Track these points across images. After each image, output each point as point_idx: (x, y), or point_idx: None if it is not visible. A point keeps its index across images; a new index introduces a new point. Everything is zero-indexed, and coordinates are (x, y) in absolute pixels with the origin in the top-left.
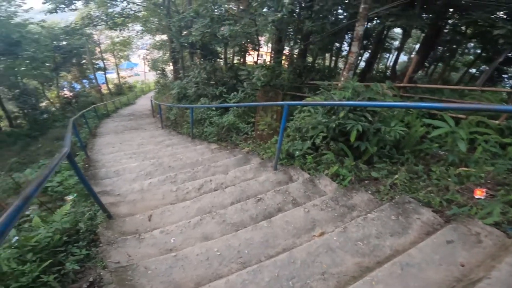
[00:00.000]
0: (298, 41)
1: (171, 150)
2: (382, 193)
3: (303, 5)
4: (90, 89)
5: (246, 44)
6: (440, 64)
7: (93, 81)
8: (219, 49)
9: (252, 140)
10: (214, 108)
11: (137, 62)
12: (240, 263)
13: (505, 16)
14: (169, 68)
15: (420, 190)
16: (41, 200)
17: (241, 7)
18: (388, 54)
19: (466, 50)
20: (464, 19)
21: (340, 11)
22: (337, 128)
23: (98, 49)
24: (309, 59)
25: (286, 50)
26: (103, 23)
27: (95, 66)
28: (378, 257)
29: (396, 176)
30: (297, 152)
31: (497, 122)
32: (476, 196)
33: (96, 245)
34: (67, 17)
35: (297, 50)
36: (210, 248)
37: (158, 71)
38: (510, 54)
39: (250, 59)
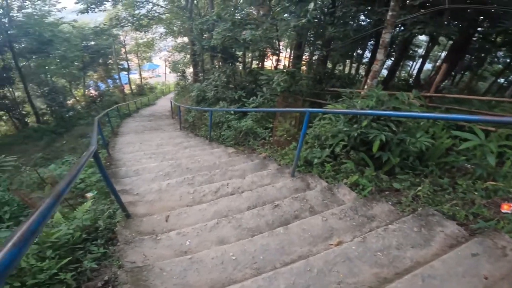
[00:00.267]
0: (319, 46)
1: (189, 152)
2: (404, 205)
3: (325, 10)
4: (114, 88)
5: (265, 49)
6: (467, 73)
7: (117, 81)
8: (238, 53)
9: (269, 145)
10: (232, 112)
11: (159, 63)
12: (254, 268)
13: None
14: (189, 70)
15: (445, 203)
16: (65, 197)
17: (261, 12)
18: (411, 62)
19: (495, 59)
20: (495, 27)
21: (362, 17)
22: (358, 137)
23: (123, 50)
24: (329, 65)
25: (306, 55)
26: (130, 24)
27: (119, 66)
28: (397, 268)
29: (420, 188)
30: (316, 159)
31: None
32: (503, 211)
33: (113, 243)
34: (96, 18)
35: (316, 56)
36: (226, 252)
37: (179, 73)
38: None
39: (268, 63)
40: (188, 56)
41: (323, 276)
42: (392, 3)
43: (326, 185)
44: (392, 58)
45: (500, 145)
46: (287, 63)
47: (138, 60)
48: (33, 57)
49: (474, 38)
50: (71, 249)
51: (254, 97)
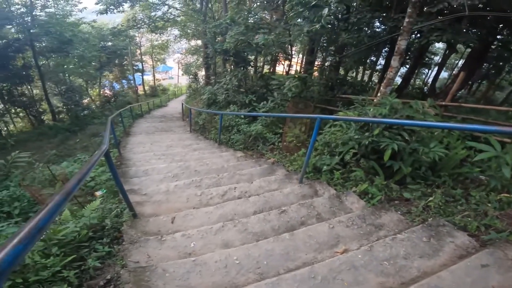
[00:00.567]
0: (332, 52)
1: (198, 155)
2: (414, 215)
3: (339, 16)
4: (128, 89)
5: (277, 54)
6: (484, 82)
7: (132, 82)
8: (251, 57)
9: (278, 151)
10: (242, 116)
11: (172, 65)
12: (258, 273)
13: None
14: (201, 73)
15: (457, 214)
16: (74, 194)
17: (274, 16)
18: (426, 70)
19: None
20: None
21: (377, 24)
22: (369, 146)
23: (138, 51)
24: (341, 71)
25: (318, 61)
26: (146, 25)
27: (134, 67)
28: (403, 278)
29: (431, 198)
30: (325, 166)
31: None
32: None
33: (118, 243)
34: (114, 19)
35: (328, 62)
36: (230, 255)
37: (191, 76)
38: None
39: (280, 68)
40: (201, 59)
41: (327, 283)
42: (409, 10)
43: (335, 193)
44: (407, 66)
45: None
46: (298, 69)
47: (152, 62)
48: (53, 56)
49: (493, 46)
50: (76, 247)
51: (265, 102)
